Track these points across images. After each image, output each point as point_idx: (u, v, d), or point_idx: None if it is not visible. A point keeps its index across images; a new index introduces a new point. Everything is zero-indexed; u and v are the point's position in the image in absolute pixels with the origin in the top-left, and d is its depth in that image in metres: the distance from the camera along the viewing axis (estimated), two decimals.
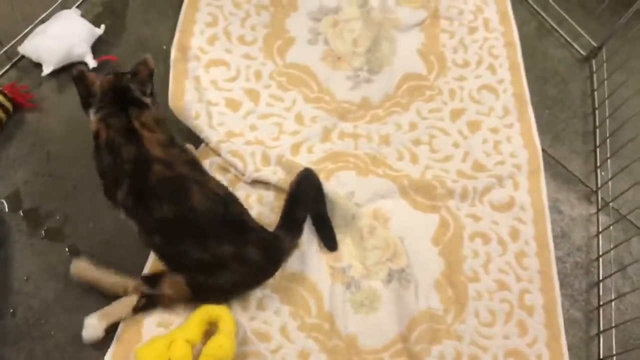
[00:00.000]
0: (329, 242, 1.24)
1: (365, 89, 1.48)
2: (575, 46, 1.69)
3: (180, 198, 1.07)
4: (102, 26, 1.40)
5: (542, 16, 1.74)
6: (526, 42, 1.65)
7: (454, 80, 1.52)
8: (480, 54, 1.58)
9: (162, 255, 1.12)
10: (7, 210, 1.19)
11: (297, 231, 1.21)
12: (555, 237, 1.34)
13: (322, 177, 1.29)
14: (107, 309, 1.08)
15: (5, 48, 1.34)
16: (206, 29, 1.49)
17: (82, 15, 1.41)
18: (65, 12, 1.40)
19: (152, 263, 1.17)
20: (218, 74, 1.42)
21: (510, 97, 1.52)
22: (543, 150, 1.45)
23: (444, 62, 1.55)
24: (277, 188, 1.28)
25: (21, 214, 1.19)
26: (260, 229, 1.15)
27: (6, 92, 1.27)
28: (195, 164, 1.16)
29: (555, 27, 1.72)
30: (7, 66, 1.36)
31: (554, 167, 1.46)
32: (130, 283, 1.10)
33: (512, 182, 1.39)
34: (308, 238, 1.23)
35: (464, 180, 1.35)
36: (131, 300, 1.09)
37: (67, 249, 1.17)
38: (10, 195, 1.21)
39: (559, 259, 1.31)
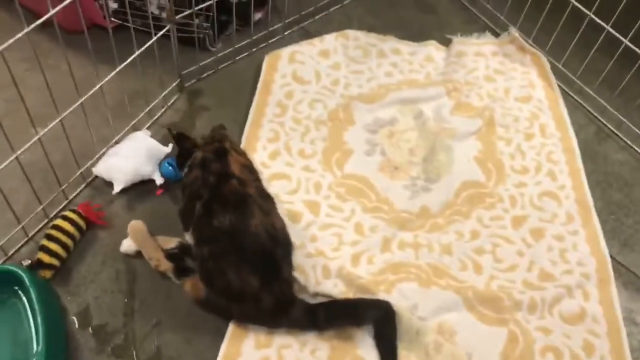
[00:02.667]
0: None
1: (423, 198, 1.49)
2: (637, 149, 1.67)
3: (241, 213, 1.18)
4: (170, 145, 1.48)
5: (600, 120, 1.74)
6: (585, 147, 1.64)
7: (514, 187, 1.52)
8: (539, 160, 1.58)
9: (201, 267, 1.20)
10: (77, 326, 1.22)
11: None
12: (632, 350, 1.26)
13: (382, 289, 1.29)
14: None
15: (82, 169, 1.42)
16: (268, 144, 1.55)
17: (151, 136, 1.49)
18: (136, 133, 1.49)
19: None
20: (280, 188, 1.46)
21: (573, 203, 1.50)
22: (612, 257, 1.41)
23: (502, 169, 1.55)
24: None
25: (90, 330, 1.22)
26: (289, 284, 1.23)
27: (80, 211, 1.34)
28: (265, 194, 1.28)
29: (615, 130, 1.71)
30: (82, 186, 1.44)
31: (625, 276, 1.40)
32: (164, 263, 1.27)
33: (581, 292, 1.34)
34: (372, 354, 1.20)
35: (531, 291, 1.31)
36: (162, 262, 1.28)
37: None
38: (81, 312, 1.24)
39: None
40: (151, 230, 1.33)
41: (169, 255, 1.28)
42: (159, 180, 1.43)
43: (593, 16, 1.67)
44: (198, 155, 1.29)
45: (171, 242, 1.30)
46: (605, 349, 1.25)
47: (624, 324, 1.30)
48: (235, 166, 1.26)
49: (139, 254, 1.31)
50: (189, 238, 1.24)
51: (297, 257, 1.31)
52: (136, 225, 1.32)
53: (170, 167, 1.44)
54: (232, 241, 1.17)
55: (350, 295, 1.28)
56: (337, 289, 1.28)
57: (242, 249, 1.16)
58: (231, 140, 1.35)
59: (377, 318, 1.23)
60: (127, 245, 1.32)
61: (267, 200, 1.29)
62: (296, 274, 1.29)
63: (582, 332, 1.27)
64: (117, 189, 1.39)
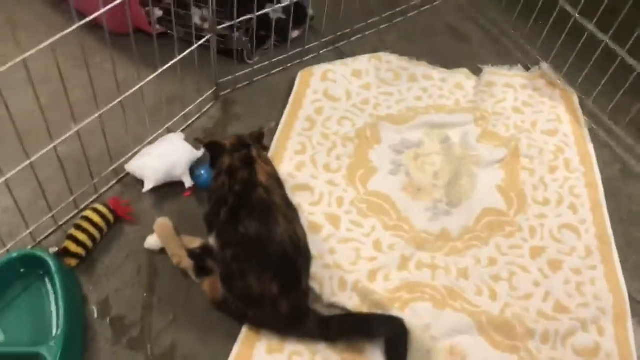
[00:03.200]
0: None
1: (444, 221, 1.50)
2: None
3: (266, 220, 1.22)
4: (202, 150, 1.53)
5: (625, 160, 1.74)
6: (609, 184, 1.65)
7: (535, 217, 1.52)
8: (561, 192, 1.59)
9: (223, 270, 1.24)
10: (96, 316, 1.26)
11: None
12: None
13: (396, 306, 1.30)
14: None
15: (114, 165, 1.47)
16: (295, 156, 1.58)
17: (185, 139, 1.54)
18: (170, 135, 1.54)
19: None
20: (303, 198, 1.49)
21: (593, 237, 1.50)
22: (630, 296, 1.40)
23: (524, 199, 1.56)
24: None
25: (108, 321, 1.25)
26: (305, 294, 1.26)
27: (110, 205, 1.38)
28: (289, 203, 1.33)
29: None
30: (114, 181, 1.49)
31: None
32: (185, 261, 1.30)
33: (596, 327, 1.33)
34: None
35: (545, 321, 1.31)
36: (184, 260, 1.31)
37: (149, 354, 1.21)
38: (101, 302, 1.28)
39: None
40: (177, 229, 1.37)
41: (192, 254, 1.31)
42: (188, 183, 1.47)
43: (626, 55, 1.69)
44: (226, 161, 1.33)
45: (195, 242, 1.33)
46: None
47: None
48: (262, 175, 1.30)
49: (162, 252, 1.35)
50: (212, 241, 1.27)
51: (315, 268, 1.34)
52: (163, 222, 1.36)
53: (205, 176, 1.47)
54: (256, 247, 1.20)
55: (364, 309, 1.30)
56: (351, 302, 1.30)
57: (266, 255, 1.20)
58: (259, 148, 1.40)
59: (390, 334, 1.24)
60: (152, 241, 1.36)
61: (291, 209, 1.33)
62: (312, 283, 1.31)
63: None
64: (147, 187, 1.43)
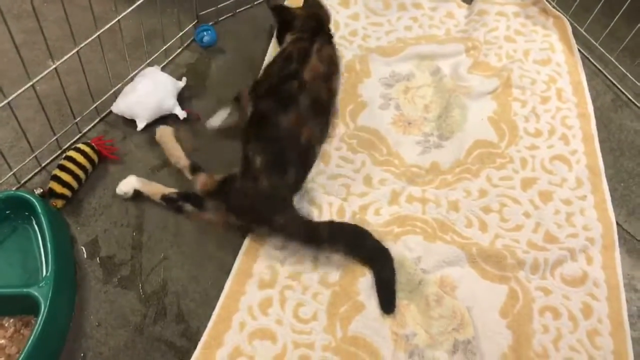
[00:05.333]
0: (387, 305, 1.22)
1: (435, 154, 1.49)
2: None
3: (284, 110, 1.29)
4: (184, 79, 1.48)
5: (618, 88, 1.72)
6: (601, 114, 1.63)
7: (526, 149, 1.51)
8: (553, 123, 1.57)
9: (251, 119, 1.34)
10: (85, 257, 1.25)
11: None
12: (630, 316, 1.27)
13: (389, 239, 1.30)
14: (146, 181, 1.33)
15: (96, 104, 1.42)
16: None
17: (169, 74, 1.49)
18: (147, 70, 1.48)
19: (215, 320, 1.19)
20: None
21: (584, 168, 1.49)
22: (618, 224, 1.41)
23: (516, 131, 1.54)
24: None
25: (98, 261, 1.25)
26: (290, 186, 1.31)
27: (93, 144, 1.35)
28: (324, 108, 1.39)
29: (632, 99, 1.69)
30: (96, 120, 1.45)
31: (629, 243, 1.40)
32: (183, 161, 1.33)
33: (584, 256, 1.34)
34: (373, 301, 1.22)
35: (534, 252, 1.32)
36: (164, 189, 1.31)
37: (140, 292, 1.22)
38: (89, 243, 1.27)
39: (635, 341, 1.24)
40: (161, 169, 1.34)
41: (168, 198, 1.32)
42: (182, 114, 1.44)
43: None
44: (288, 47, 1.42)
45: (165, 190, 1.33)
46: (603, 312, 1.27)
47: (624, 290, 1.31)
48: (308, 73, 1.34)
49: (137, 196, 1.33)
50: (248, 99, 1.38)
51: (316, 193, 1.36)
52: (164, 129, 1.40)
53: (206, 34, 1.57)
54: (265, 123, 1.30)
55: None
56: None
57: (267, 132, 1.29)
58: (325, 36, 1.47)
59: (376, 260, 1.26)
60: (126, 185, 1.32)
61: (322, 112, 1.38)
62: (312, 207, 1.33)
63: (582, 295, 1.29)
64: (140, 125, 1.40)
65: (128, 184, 1.32)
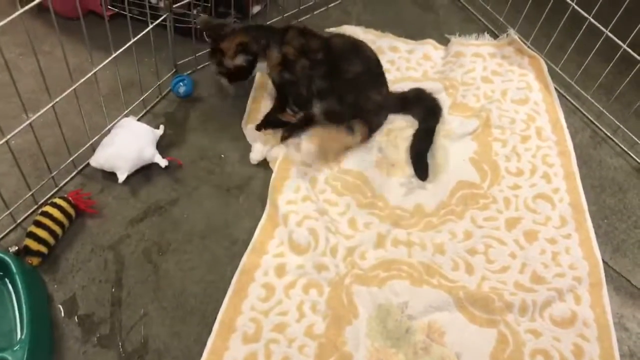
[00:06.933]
0: (422, 172, 1.51)
1: (419, 196, 1.48)
2: (632, 155, 1.67)
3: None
4: (162, 127, 1.47)
5: (595, 125, 1.74)
6: (581, 151, 1.64)
7: (508, 188, 1.51)
8: (534, 162, 1.58)
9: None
10: (63, 315, 1.21)
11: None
12: (622, 356, 1.26)
13: (374, 284, 1.28)
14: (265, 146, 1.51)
15: (73, 157, 1.40)
16: (264, 136, 1.54)
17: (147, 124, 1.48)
18: (125, 120, 1.47)
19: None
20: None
21: (567, 206, 1.49)
22: (604, 262, 1.40)
23: (498, 171, 1.54)
24: None
25: (76, 319, 1.20)
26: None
27: (70, 198, 1.32)
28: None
29: (610, 136, 1.71)
30: (73, 173, 1.42)
31: (617, 280, 1.39)
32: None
33: (573, 296, 1.33)
34: (360, 351, 1.19)
35: (522, 293, 1.30)
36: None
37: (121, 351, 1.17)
38: (67, 301, 1.22)
39: None
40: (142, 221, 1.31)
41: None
42: (163, 163, 1.42)
43: (592, 20, 1.67)
44: (288, 50, 1.51)
45: None
46: (595, 353, 1.24)
47: (614, 329, 1.29)
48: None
49: (126, 240, 1.29)
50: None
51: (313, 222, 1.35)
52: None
53: (182, 85, 1.60)
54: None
55: (347, 280, 1.29)
56: (337, 269, 1.31)
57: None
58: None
59: (431, 115, 1.61)
60: (257, 152, 1.49)
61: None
62: (309, 234, 1.35)
63: (572, 336, 1.26)
64: (121, 178, 1.37)
65: (258, 152, 1.49)
